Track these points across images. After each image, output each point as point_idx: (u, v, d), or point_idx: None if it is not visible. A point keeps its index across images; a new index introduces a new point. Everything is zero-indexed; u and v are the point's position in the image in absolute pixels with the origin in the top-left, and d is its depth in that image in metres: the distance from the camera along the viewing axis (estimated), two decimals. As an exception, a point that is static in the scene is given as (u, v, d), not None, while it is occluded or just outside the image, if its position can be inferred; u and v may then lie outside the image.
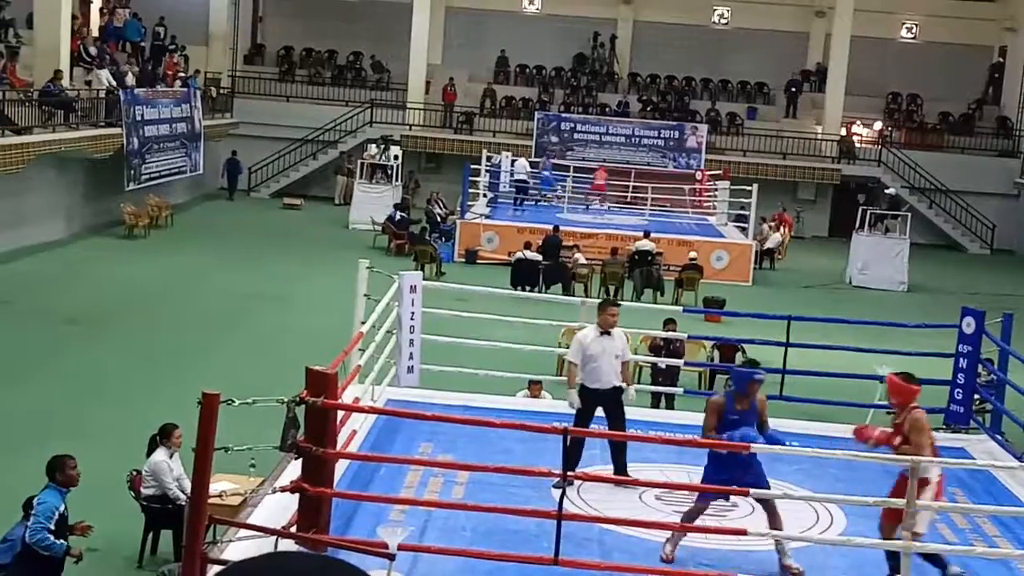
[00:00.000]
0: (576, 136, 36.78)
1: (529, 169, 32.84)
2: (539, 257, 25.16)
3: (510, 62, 40.98)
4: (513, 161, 33.18)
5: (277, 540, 7.56)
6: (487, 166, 32.53)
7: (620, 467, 10.40)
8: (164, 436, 10.55)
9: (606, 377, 10.55)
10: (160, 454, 10.49)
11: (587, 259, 25.83)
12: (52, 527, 8.60)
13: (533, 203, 32.44)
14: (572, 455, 10.19)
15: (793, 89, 39.88)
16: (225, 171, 37.01)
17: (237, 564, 6.62)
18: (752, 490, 8.71)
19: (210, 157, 34.75)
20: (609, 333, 10.62)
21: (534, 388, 13.52)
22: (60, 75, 25.54)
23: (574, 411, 10.69)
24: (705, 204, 33.64)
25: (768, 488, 8.93)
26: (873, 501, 8.76)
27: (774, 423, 12.74)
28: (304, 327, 19.41)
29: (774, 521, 8.83)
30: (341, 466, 9.31)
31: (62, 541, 8.70)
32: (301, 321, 20.17)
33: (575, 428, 10.12)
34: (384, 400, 12.04)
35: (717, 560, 8.88)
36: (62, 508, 8.71)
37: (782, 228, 32.77)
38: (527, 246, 25.41)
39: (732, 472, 8.79)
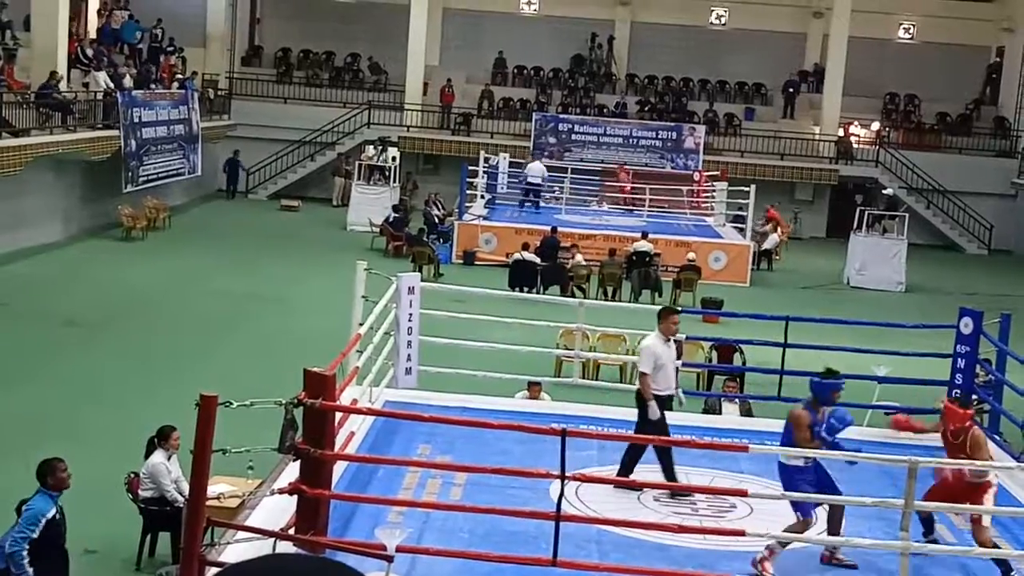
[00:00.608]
0: (574, 137, 36.78)
1: (546, 173, 32.39)
2: (537, 259, 25.16)
3: (508, 63, 40.98)
4: (527, 164, 32.79)
5: (275, 542, 7.56)
6: (485, 167, 32.51)
7: (627, 469, 10.37)
8: (162, 438, 10.54)
9: (672, 383, 10.72)
10: (158, 456, 10.48)
11: (585, 260, 25.83)
12: (36, 535, 8.51)
13: (532, 206, 32.16)
14: (668, 463, 10.24)
15: (791, 90, 39.89)
16: (226, 170, 37.05)
17: (234, 566, 6.60)
18: (751, 491, 8.72)
19: (208, 159, 34.72)
20: (669, 340, 10.68)
21: (533, 389, 13.52)
22: (57, 76, 25.51)
23: (649, 420, 10.52)
24: (703, 205, 33.64)
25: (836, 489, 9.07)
26: (871, 502, 8.77)
27: (771, 424, 12.81)
28: (302, 329, 19.40)
29: (833, 526, 9.09)
30: (339, 468, 9.30)
31: (30, 572, 8.54)
32: (299, 323, 20.16)
33: (636, 435, 10.26)
34: (382, 402, 12.04)
35: (715, 561, 8.87)
36: (51, 513, 8.62)
37: (779, 228, 32.73)
38: (525, 247, 25.42)
39: (818, 481, 8.99)
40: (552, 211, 31.56)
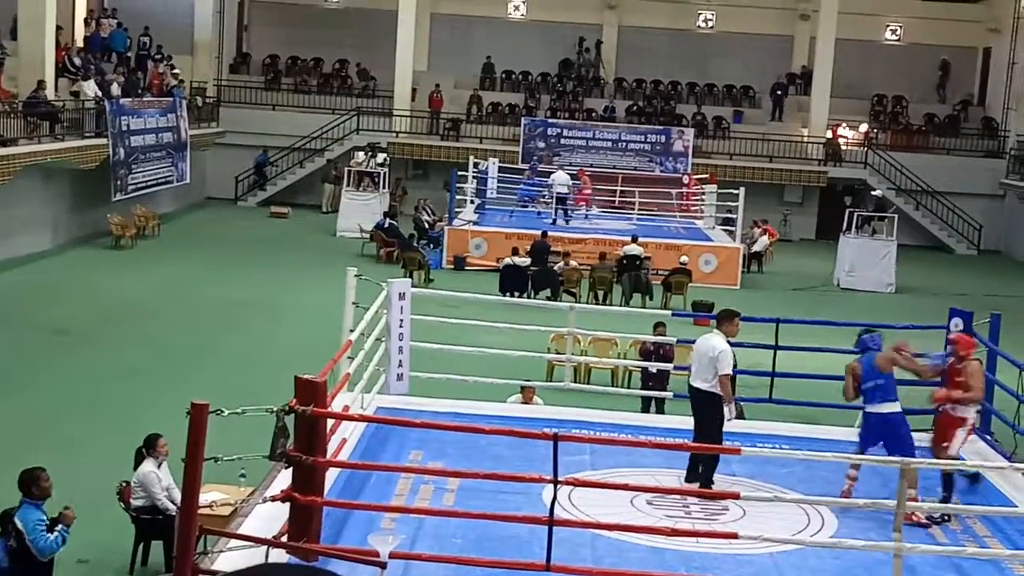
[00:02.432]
0: (563, 141, 36.81)
1: (570, 182, 31.45)
2: (527, 262, 25.13)
3: (496, 68, 41.00)
4: (551, 175, 31.94)
5: (268, 550, 7.55)
6: (474, 172, 32.50)
7: (701, 479, 10.36)
8: (149, 447, 10.50)
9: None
10: (148, 465, 10.44)
11: (577, 264, 25.82)
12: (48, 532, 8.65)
13: (562, 214, 31.29)
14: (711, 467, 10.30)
15: (779, 92, 39.95)
16: (254, 168, 37.49)
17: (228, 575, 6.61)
18: (743, 493, 8.73)
19: (196, 166, 34.66)
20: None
21: (526, 393, 13.50)
22: (44, 85, 25.44)
23: (727, 421, 10.60)
24: (692, 208, 33.68)
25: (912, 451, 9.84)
26: (863, 503, 8.79)
27: (763, 426, 12.85)
28: (293, 335, 19.38)
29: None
30: (331, 475, 9.28)
31: (57, 531, 8.70)
32: (290, 329, 20.14)
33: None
34: (374, 408, 12.01)
35: (709, 564, 8.87)
36: (46, 520, 8.70)
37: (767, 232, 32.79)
38: (515, 252, 25.41)
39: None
40: (543, 215, 31.52)
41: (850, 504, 9.09)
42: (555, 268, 25.21)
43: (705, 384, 10.58)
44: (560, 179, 31.28)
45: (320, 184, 37.57)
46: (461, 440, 10.99)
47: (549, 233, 27.10)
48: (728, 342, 10.81)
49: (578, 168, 34.62)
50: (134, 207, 29.55)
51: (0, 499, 9.47)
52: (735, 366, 14.94)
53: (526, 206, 32.89)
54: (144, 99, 30.69)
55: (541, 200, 32.69)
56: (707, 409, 10.60)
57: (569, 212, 31.27)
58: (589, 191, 33.04)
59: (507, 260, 25.26)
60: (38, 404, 15.28)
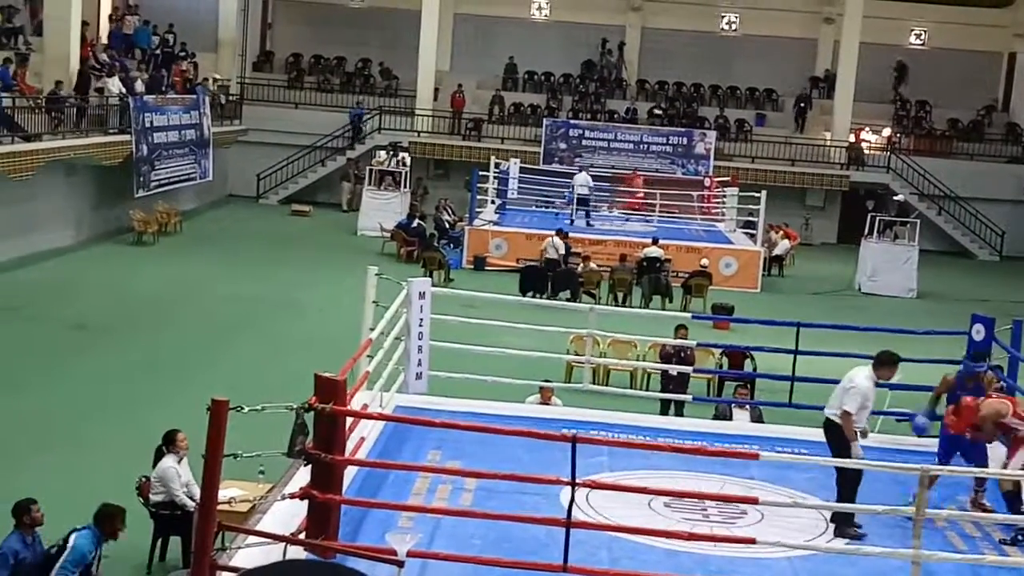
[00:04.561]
0: (584, 143, 36.81)
1: (591, 183, 31.34)
2: (563, 250, 25.40)
3: (518, 69, 41.00)
4: (576, 173, 31.95)
5: (286, 547, 7.56)
6: (495, 173, 32.51)
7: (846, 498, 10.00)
8: (169, 443, 10.54)
9: (865, 420, 10.39)
10: (168, 460, 10.48)
11: (596, 266, 25.83)
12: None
13: (583, 215, 31.16)
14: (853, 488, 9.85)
15: (802, 104, 39.67)
16: (349, 122, 37.76)
17: (247, 572, 6.62)
18: (762, 497, 8.70)
19: (219, 164, 34.76)
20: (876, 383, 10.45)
21: (545, 393, 13.49)
22: (61, 86, 25.59)
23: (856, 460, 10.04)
24: (713, 211, 33.61)
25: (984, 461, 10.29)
26: (882, 509, 8.76)
27: (782, 430, 12.80)
28: (313, 333, 19.42)
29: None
30: (349, 473, 9.29)
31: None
32: (310, 327, 20.19)
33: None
34: (392, 407, 12.02)
35: (726, 568, 8.86)
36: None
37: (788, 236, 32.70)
38: (559, 233, 26.23)
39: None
40: (563, 216, 31.50)
41: (868, 510, 9.06)
42: (576, 269, 25.22)
43: (829, 412, 10.17)
44: (581, 180, 31.21)
45: (340, 182, 37.62)
46: (479, 440, 10.98)
47: (570, 234, 27.11)
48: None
49: (632, 170, 34.65)
50: (156, 204, 29.68)
51: (20, 490, 9.53)
52: (754, 369, 14.75)
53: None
54: (168, 96, 30.81)
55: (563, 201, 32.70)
56: (832, 438, 10.15)
57: (590, 213, 31.19)
58: (641, 195, 33.07)
59: (548, 241, 25.80)
60: (57, 399, 15.35)
